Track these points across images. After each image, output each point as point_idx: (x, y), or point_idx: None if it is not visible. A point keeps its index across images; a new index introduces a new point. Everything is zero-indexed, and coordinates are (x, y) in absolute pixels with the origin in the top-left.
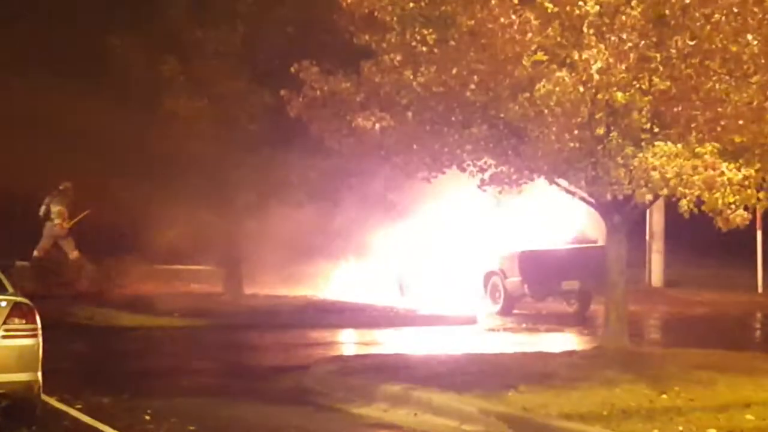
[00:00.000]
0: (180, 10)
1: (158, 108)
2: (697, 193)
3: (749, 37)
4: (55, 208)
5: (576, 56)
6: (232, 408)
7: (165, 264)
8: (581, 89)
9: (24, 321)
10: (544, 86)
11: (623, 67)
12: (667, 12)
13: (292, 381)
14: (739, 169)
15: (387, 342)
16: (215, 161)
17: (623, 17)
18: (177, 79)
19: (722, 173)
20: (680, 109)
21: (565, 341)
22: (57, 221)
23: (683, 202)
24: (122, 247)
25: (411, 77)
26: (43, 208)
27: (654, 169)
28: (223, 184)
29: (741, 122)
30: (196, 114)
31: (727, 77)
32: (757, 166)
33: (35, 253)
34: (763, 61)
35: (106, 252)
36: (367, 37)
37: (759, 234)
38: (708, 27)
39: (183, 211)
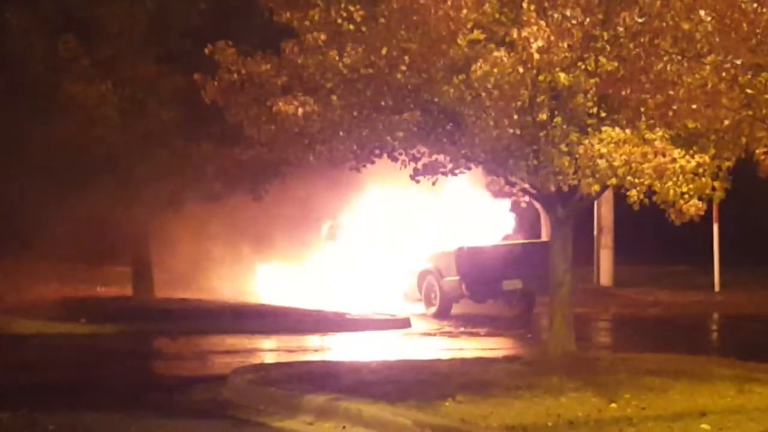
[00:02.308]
0: None
1: (57, 93)
2: (647, 182)
3: (702, 13)
4: None
5: (515, 34)
6: (142, 422)
7: (68, 265)
8: (521, 70)
9: None
10: (480, 67)
11: (566, 45)
12: None
13: (209, 392)
14: (692, 156)
15: (313, 349)
16: (121, 152)
17: None
18: (77, 61)
19: (674, 160)
20: (629, 92)
21: (507, 346)
22: None
23: (632, 193)
24: (17, 246)
25: (336, 58)
26: None
27: (601, 156)
28: (131, 177)
29: (694, 106)
30: (99, 100)
31: (679, 57)
32: (712, 152)
33: None
34: (717, 39)
35: (1, 252)
36: (288, 15)
37: (715, 227)
38: (658, 3)
39: (86, 206)
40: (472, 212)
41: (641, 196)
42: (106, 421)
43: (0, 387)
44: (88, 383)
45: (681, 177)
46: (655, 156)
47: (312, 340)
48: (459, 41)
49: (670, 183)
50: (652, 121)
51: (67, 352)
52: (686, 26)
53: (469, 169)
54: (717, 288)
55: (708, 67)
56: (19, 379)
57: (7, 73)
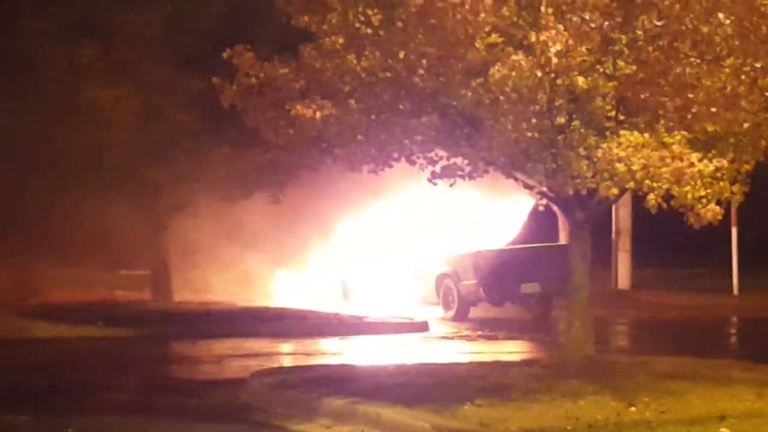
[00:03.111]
0: None
1: (75, 98)
2: (665, 186)
3: (721, 16)
4: None
5: (533, 38)
6: (160, 426)
7: (87, 269)
8: (539, 73)
9: None
10: (498, 71)
11: (584, 49)
12: None
13: (227, 396)
14: (710, 160)
15: (331, 352)
16: (139, 156)
17: None
18: (95, 65)
19: (692, 164)
20: (647, 95)
21: (525, 349)
22: None
23: (651, 197)
24: (38, 251)
25: (354, 62)
26: None
27: (619, 160)
28: (148, 180)
29: (713, 109)
30: (117, 104)
31: (698, 61)
32: (731, 156)
33: None
34: (736, 42)
35: (20, 256)
36: (306, 19)
37: (734, 231)
38: (677, 6)
39: (104, 210)
40: (484, 215)
41: (659, 200)
42: (125, 425)
43: (19, 389)
44: (107, 386)
45: (699, 181)
46: (673, 160)
47: (330, 344)
48: (477, 45)
49: (688, 187)
50: (671, 125)
51: (85, 355)
52: (705, 29)
53: (487, 172)
54: (735, 291)
55: (727, 70)
56: (38, 381)
57: (25, 77)
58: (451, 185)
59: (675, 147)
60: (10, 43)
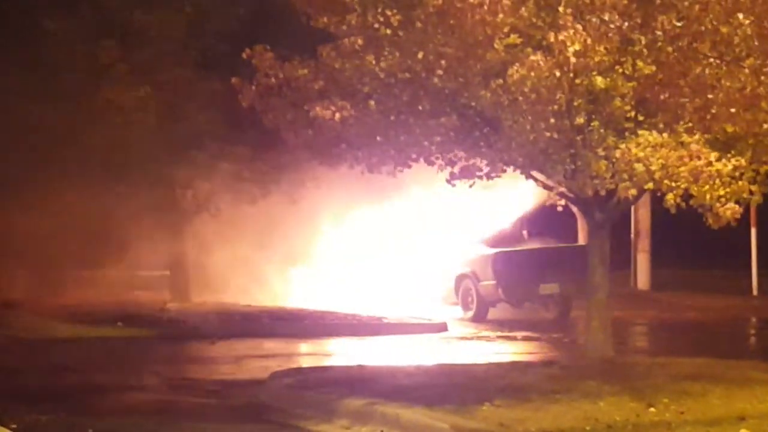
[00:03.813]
0: None
1: (95, 98)
2: (684, 186)
3: (741, 17)
4: None
5: (552, 38)
6: (179, 426)
7: (106, 269)
8: (557, 74)
9: None
10: (517, 71)
11: (603, 48)
12: None
13: (246, 396)
14: (729, 160)
15: (349, 353)
16: (159, 156)
17: None
18: (116, 65)
19: (710, 164)
20: (667, 95)
21: (544, 350)
22: None
23: (669, 197)
24: (58, 252)
25: (373, 62)
26: None
27: (638, 160)
28: (168, 180)
29: (733, 110)
30: (138, 104)
31: (718, 61)
32: (749, 156)
33: None
34: (756, 43)
35: (41, 257)
36: (325, 20)
37: (753, 231)
38: (697, 7)
39: (124, 211)
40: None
41: (678, 200)
42: (144, 425)
43: (39, 390)
44: (126, 387)
45: (717, 181)
46: (691, 159)
47: (348, 344)
48: (496, 45)
49: (706, 187)
50: (690, 125)
51: (104, 355)
52: (725, 30)
53: (505, 171)
54: (755, 292)
55: (747, 71)
56: (58, 382)
57: (47, 78)
58: (470, 186)
59: (693, 146)
60: (32, 44)
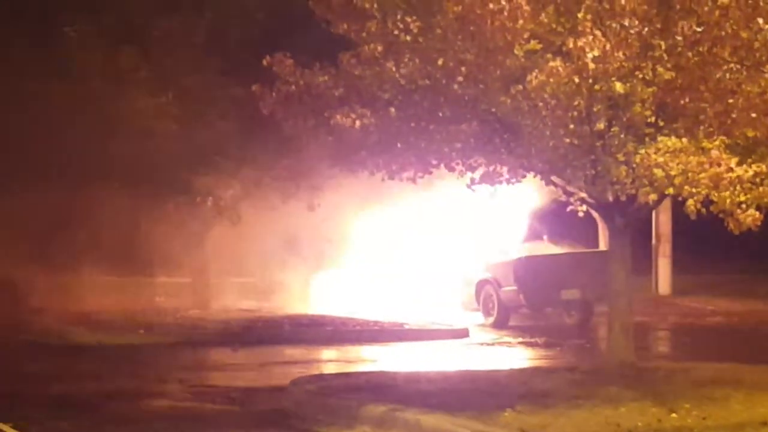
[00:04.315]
0: None
1: (117, 104)
2: (704, 191)
3: (761, 21)
4: None
5: (571, 44)
6: None
7: (127, 276)
8: (577, 80)
9: None
10: (537, 77)
11: (621, 54)
12: None
13: (268, 403)
14: (750, 166)
15: (371, 359)
16: (179, 162)
17: (623, 1)
18: (137, 72)
19: (730, 169)
20: (687, 101)
21: (566, 356)
22: None
23: (690, 203)
24: (79, 258)
25: (393, 69)
26: None
27: (657, 166)
28: (189, 187)
29: (753, 115)
30: (159, 111)
31: (738, 66)
32: None
33: None
34: None
35: (63, 263)
36: (345, 26)
37: None
38: (717, 12)
39: (144, 218)
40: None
41: (698, 206)
42: (166, 431)
43: (61, 396)
44: (148, 394)
45: (738, 186)
46: (711, 165)
47: (370, 350)
48: (515, 51)
49: (727, 193)
50: (710, 130)
51: (126, 362)
52: (745, 35)
53: (525, 177)
54: None
55: (767, 76)
56: (79, 388)
57: (67, 84)
58: (492, 193)
59: (713, 152)
60: (54, 50)
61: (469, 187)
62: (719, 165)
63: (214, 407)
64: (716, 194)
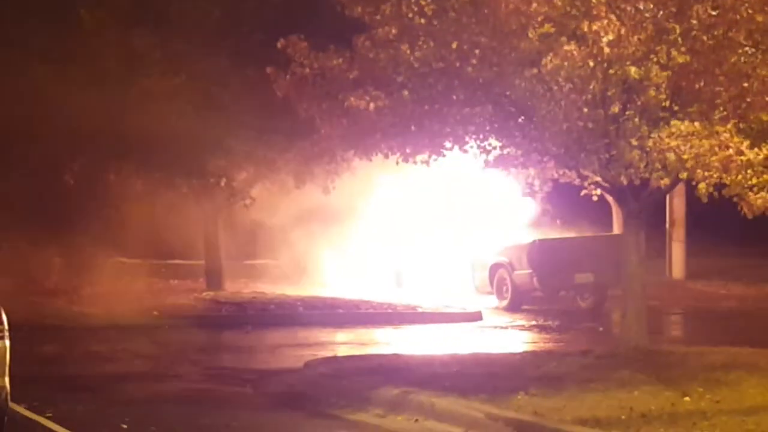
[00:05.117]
0: None
1: (130, 87)
2: (716, 175)
3: None
4: None
5: (585, 28)
6: (216, 415)
7: (141, 258)
8: (591, 63)
9: None
10: (551, 61)
11: (636, 38)
12: None
13: (282, 385)
14: (761, 149)
15: (384, 341)
16: (194, 145)
17: None
18: (152, 54)
19: (741, 153)
20: (702, 84)
21: (579, 340)
22: None
23: (701, 186)
24: (93, 241)
25: (408, 52)
26: None
27: (670, 150)
28: (203, 169)
29: None
30: (173, 93)
31: (753, 50)
32: None
33: None
34: None
35: (77, 246)
36: (359, 9)
37: None
38: None
39: (157, 200)
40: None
41: (710, 189)
42: (180, 414)
43: (78, 378)
44: (162, 375)
45: (750, 170)
46: (721, 149)
47: (383, 333)
48: (530, 35)
49: (739, 176)
50: (725, 114)
51: (140, 344)
52: (760, 18)
53: (539, 161)
54: None
55: None
56: (93, 370)
57: (81, 66)
58: (507, 175)
59: (724, 135)
60: (68, 33)
61: (483, 168)
62: (728, 148)
63: (227, 389)
64: (728, 177)
